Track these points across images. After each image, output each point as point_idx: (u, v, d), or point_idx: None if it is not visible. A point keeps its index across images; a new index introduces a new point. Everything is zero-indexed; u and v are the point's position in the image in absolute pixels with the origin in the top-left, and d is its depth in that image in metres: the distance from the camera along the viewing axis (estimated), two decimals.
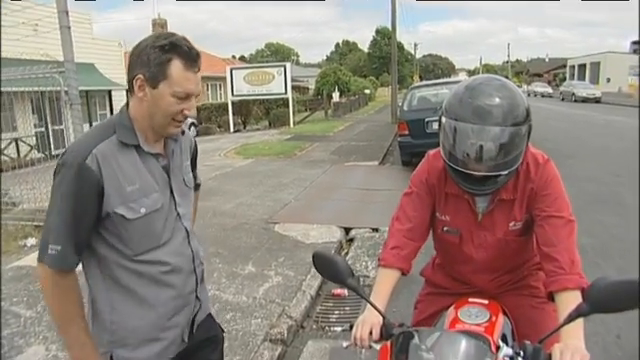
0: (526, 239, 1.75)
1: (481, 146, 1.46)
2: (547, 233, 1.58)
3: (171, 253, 1.49)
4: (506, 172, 1.53)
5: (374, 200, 7.38)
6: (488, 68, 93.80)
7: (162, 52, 1.35)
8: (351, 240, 5.62)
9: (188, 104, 1.41)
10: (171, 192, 1.50)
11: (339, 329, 3.15)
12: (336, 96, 28.85)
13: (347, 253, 5.22)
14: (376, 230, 5.75)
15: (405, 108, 9.98)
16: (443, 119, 1.55)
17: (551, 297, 1.52)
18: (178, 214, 1.52)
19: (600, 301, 1.22)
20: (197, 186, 1.76)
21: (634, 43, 53.93)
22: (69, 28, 5.45)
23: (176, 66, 1.36)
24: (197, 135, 16.82)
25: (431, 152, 1.79)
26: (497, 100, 1.47)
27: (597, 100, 30.40)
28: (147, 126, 1.43)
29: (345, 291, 4.09)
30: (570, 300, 1.40)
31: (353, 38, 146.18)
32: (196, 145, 1.72)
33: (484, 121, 1.45)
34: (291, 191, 8.05)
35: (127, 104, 1.46)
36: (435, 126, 9.84)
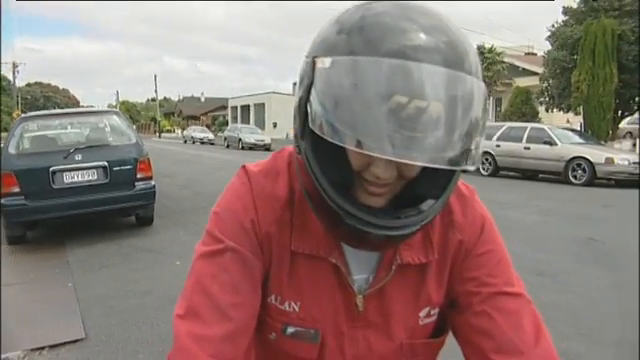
0: (442, 341, 0.91)
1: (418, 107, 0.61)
2: (502, 328, 0.80)
3: None
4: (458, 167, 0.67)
5: None
6: (128, 107, 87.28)
7: None
8: None
9: None
10: None
11: None
12: None
13: None
14: None
15: (12, 151, 6.36)
16: (324, 62, 0.65)
17: None
18: None
19: None
20: None
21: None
22: None
23: None
24: None
25: (252, 168, 0.86)
26: (431, 31, 0.65)
27: (267, 147, 28.19)
28: None
29: None
30: None
31: None
32: None
33: (420, 56, 0.62)
34: None
35: None
36: (69, 178, 6.53)
